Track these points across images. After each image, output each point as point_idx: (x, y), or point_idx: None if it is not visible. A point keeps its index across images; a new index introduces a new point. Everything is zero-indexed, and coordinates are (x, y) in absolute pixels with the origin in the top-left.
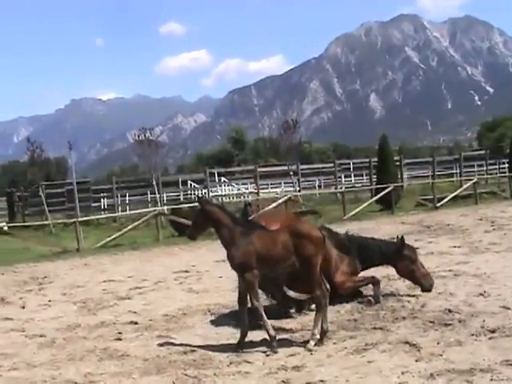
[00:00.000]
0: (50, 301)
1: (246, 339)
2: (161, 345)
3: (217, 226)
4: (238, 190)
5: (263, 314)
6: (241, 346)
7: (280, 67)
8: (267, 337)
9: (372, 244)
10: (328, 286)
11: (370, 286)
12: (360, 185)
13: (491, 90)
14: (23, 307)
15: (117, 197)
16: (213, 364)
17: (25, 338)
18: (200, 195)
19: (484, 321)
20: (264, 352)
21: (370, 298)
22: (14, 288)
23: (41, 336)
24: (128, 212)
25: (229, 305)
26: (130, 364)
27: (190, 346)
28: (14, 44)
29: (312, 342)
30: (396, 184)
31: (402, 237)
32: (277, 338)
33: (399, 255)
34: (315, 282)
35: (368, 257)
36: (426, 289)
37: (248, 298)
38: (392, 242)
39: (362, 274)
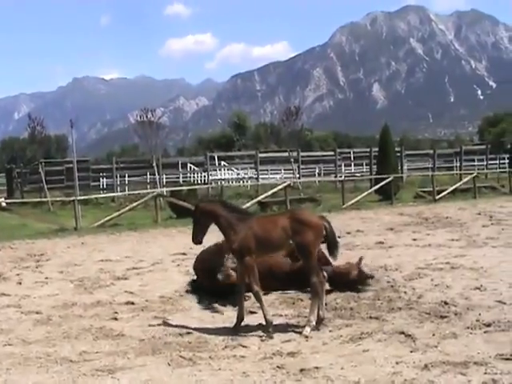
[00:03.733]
0: (46, 278)
1: (242, 324)
2: (157, 326)
3: (215, 218)
4: (238, 174)
5: (262, 298)
6: (236, 330)
7: (284, 53)
8: (264, 322)
9: None
10: (325, 274)
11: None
12: (360, 174)
13: (494, 85)
14: (20, 283)
15: (116, 177)
16: (208, 347)
17: (20, 314)
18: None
19: (480, 314)
20: (259, 337)
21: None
22: (10, 264)
23: (37, 313)
24: (127, 192)
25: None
26: (126, 344)
27: (185, 328)
28: (18, 20)
29: (308, 329)
30: (396, 175)
31: None
32: (271, 323)
33: None
34: (312, 269)
35: None
36: None
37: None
38: None
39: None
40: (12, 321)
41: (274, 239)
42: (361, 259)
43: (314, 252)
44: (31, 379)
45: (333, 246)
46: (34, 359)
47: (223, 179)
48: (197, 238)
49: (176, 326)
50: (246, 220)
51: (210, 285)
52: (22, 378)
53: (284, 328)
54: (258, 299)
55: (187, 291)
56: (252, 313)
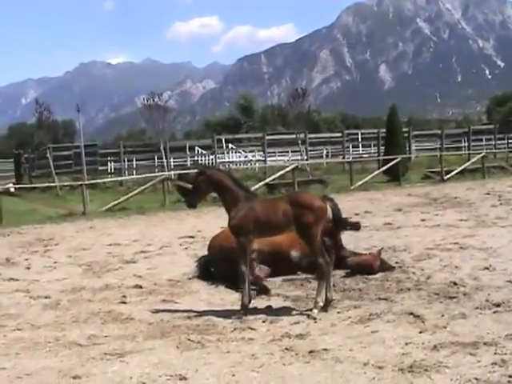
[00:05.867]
0: (55, 263)
1: (250, 306)
2: (165, 309)
3: (219, 189)
4: (246, 157)
5: (247, 280)
6: (245, 313)
7: (290, 35)
8: (240, 302)
9: None
10: (330, 256)
11: None
12: (368, 155)
13: (502, 64)
14: (28, 268)
15: (124, 161)
16: (216, 329)
17: (29, 298)
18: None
19: (489, 294)
20: (263, 321)
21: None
22: (19, 249)
23: (45, 297)
24: (135, 176)
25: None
26: (134, 327)
27: (194, 311)
28: (25, 6)
29: (315, 311)
30: (404, 156)
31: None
32: (249, 307)
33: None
34: (317, 251)
35: None
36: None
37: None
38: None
39: None
40: (21, 305)
41: (274, 223)
42: (380, 251)
43: (317, 234)
44: (40, 363)
45: (340, 225)
46: (43, 343)
47: (231, 162)
48: (193, 201)
49: (184, 310)
50: (249, 199)
51: None
52: (31, 362)
53: (292, 310)
54: (243, 280)
55: (195, 274)
56: (260, 295)
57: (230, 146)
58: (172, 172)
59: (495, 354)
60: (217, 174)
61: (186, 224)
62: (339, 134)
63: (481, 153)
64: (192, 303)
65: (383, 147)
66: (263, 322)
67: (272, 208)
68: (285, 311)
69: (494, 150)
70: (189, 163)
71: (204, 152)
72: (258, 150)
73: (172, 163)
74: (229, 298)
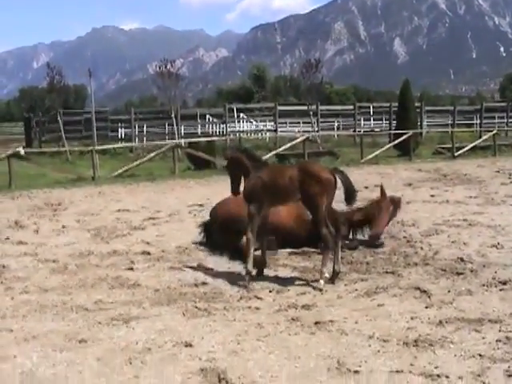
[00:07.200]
0: (63, 227)
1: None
2: (172, 276)
3: (242, 169)
4: (257, 126)
5: (252, 248)
6: (249, 279)
7: (305, 6)
8: (244, 269)
9: None
10: (333, 230)
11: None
12: (379, 129)
13: None
14: (37, 232)
15: (134, 127)
16: (223, 298)
17: (37, 262)
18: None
19: (496, 272)
20: (270, 291)
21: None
22: (28, 212)
23: (53, 261)
24: (145, 143)
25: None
26: (141, 294)
27: (201, 278)
28: None
29: (322, 281)
30: (415, 131)
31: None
32: (251, 274)
33: None
34: (320, 222)
35: None
36: None
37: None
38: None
39: None
40: (28, 269)
41: (281, 188)
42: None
43: (321, 205)
44: (47, 326)
45: (349, 196)
46: (50, 307)
47: (242, 131)
48: (236, 190)
49: (192, 277)
50: (259, 168)
51: None
52: (37, 325)
53: (299, 281)
54: (247, 247)
55: (203, 242)
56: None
57: (242, 115)
58: (182, 140)
59: (500, 331)
60: (235, 154)
61: (195, 192)
62: (351, 107)
63: (492, 130)
64: (199, 271)
65: (395, 121)
66: (270, 291)
67: (279, 173)
68: (292, 282)
69: (505, 128)
70: (199, 131)
71: (215, 120)
72: (270, 120)
73: (183, 131)
74: (236, 267)
